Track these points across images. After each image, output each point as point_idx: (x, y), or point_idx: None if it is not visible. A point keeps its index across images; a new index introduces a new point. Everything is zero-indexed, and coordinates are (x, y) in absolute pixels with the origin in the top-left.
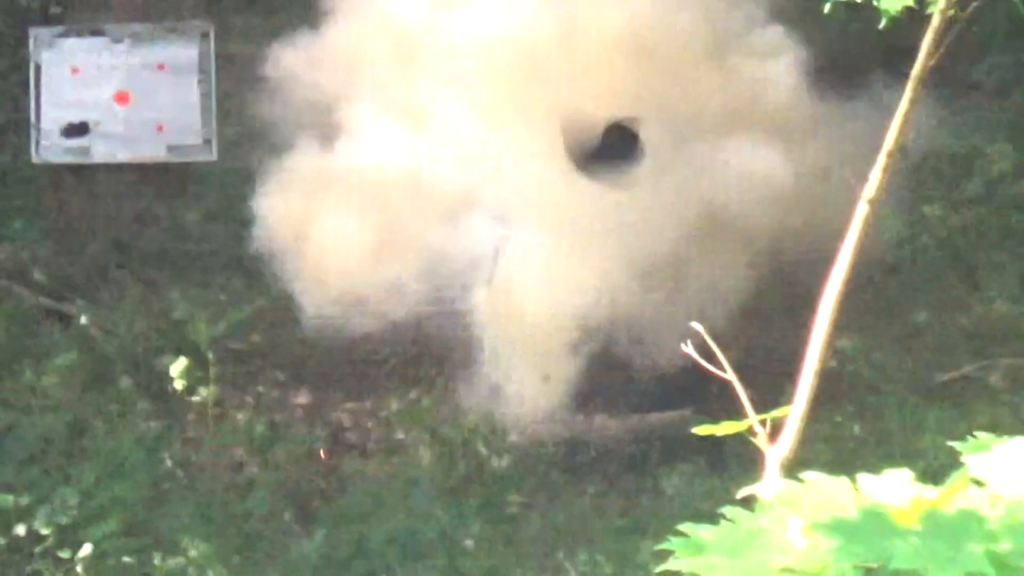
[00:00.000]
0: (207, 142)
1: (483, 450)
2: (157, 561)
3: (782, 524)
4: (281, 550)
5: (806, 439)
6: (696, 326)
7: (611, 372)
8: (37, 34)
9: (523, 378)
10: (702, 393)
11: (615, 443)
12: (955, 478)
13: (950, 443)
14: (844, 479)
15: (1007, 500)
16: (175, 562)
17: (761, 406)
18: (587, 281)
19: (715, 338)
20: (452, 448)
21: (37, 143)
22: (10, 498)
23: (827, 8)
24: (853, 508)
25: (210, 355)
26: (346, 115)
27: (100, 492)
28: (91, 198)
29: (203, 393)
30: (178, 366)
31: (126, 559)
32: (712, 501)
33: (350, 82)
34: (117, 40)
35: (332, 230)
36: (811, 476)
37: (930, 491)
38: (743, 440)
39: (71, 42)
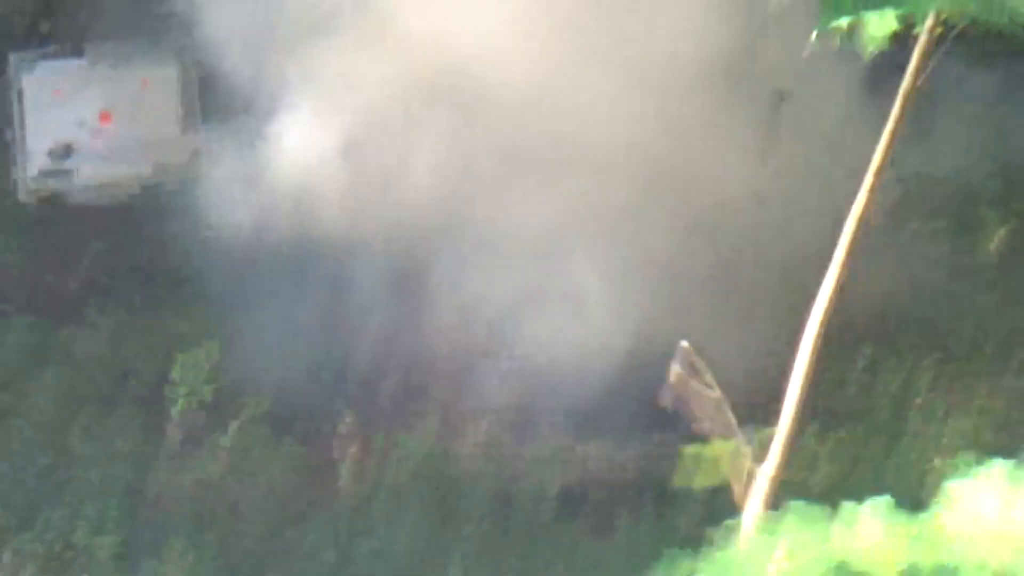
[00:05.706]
0: (193, 157)
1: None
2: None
3: (766, 554)
4: (272, 563)
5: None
6: (684, 344)
7: None
8: (17, 58)
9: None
10: None
11: None
12: (935, 510)
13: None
14: (825, 510)
15: (983, 535)
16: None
17: None
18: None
19: None
20: (449, 465)
21: (24, 171)
22: None
23: (813, 36)
24: (832, 547)
25: (197, 376)
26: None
27: (88, 511)
28: (77, 219)
29: (191, 413)
30: (165, 386)
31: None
32: None
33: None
34: (97, 59)
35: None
36: (793, 505)
37: (908, 521)
38: None
39: (52, 64)
